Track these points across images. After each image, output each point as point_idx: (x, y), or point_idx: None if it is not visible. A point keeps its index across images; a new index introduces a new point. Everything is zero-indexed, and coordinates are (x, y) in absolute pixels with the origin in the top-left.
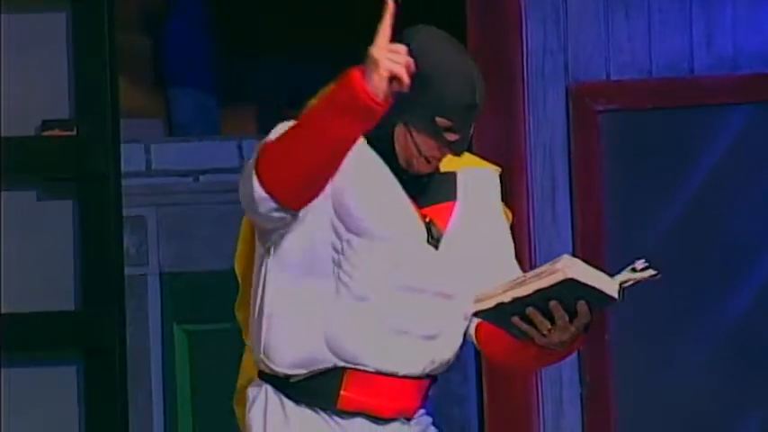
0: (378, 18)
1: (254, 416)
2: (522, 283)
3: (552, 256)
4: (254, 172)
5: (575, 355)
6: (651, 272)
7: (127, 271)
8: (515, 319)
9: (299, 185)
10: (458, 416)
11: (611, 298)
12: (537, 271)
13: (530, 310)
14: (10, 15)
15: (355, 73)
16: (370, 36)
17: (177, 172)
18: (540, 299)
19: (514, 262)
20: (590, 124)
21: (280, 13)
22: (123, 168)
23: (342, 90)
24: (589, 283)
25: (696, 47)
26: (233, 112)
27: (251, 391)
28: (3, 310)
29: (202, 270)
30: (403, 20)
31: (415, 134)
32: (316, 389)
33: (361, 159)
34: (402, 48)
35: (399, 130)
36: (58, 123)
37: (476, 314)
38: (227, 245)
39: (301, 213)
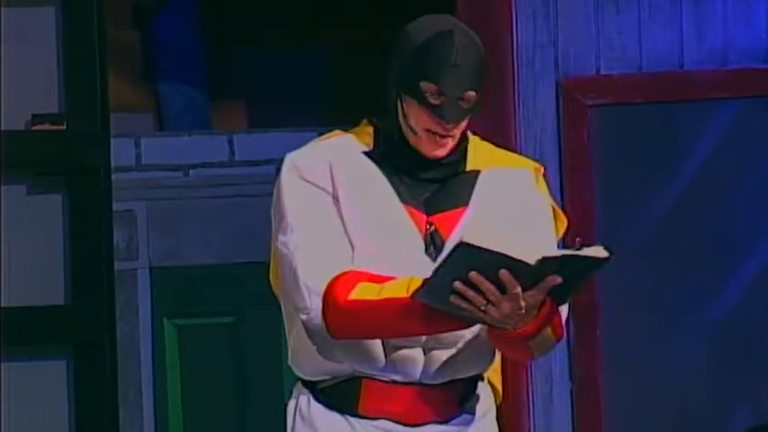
0: (365, 12)
1: (289, 411)
2: None
3: None
4: (322, 315)
5: (564, 350)
6: (599, 252)
7: (117, 265)
8: (453, 298)
9: (360, 339)
10: None
11: (528, 265)
12: None
13: (456, 285)
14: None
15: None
16: (358, 28)
17: (167, 166)
18: (458, 270)
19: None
20: (580, 118)
21: (270, 7)
22: (113, 163)
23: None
24: (490, 248)
25: (686, 41)
26: (223, 106)
27: (294, 389)
28: None
29: (192, 264)
30: (395, 13)
31: (408, 110)
32: (339, 395)
33: (352, 169)
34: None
35: (399, 108)
36: (48, 117)
37: (415, 295)
38: (217, 239)
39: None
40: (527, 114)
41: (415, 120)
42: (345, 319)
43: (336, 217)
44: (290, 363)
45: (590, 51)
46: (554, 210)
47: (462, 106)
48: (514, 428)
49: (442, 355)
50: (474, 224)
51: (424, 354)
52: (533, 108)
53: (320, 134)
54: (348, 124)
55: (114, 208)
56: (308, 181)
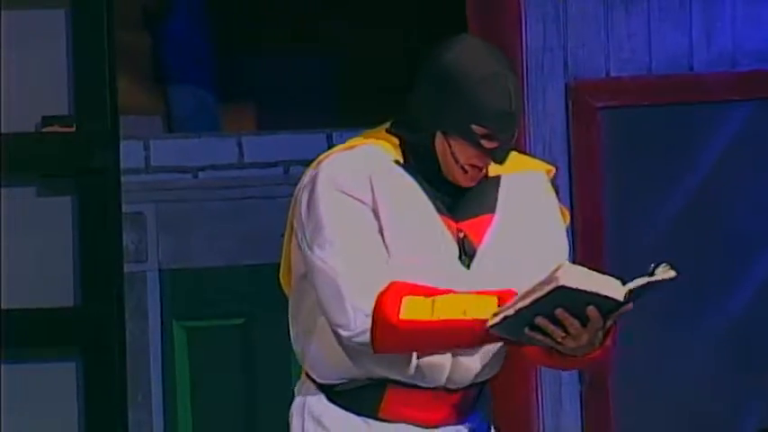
0: (375, 14)
1: (295, 410)
2: (527, 294)
3: None
4: (368, 332)
5: None
6: (667, 273)
7: (126, 267)
8: (528, 331)
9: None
10: None
11: (616, 301)
12: (542, 280)
13: (538, 320)
14: (10, 12)
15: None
16: (366, 31)
17: (176, 168)
18: (545, 308)
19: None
20: (589, 121)
21: (279, 9)
22: (122, 165)
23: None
24: (585, 288)
25: (696, 44)
26: (232, 108)
27: (299, 388)
28: (2, 306)
29: (201, 266)
30: (406, 19)
31: (452, 142)
32: (359, 398)
33: (391, 181)
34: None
35: (439, 139)
36: (58, 120)
37: (490, 328)
38: (227, 241)
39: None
40: (536, 117)
41: (464, 157)
42: (398, 339)
43: (376, 230)
44: (305, 366)
45: (599, 54)
46: (561, 207)
47: (510, 144)
48: (523, 431)
49: (468, 361)
50: (503, 234)
51: (449, 359)
52: (543, 110)
53: (329, 136)
54: (357, 126)
55: (123, 210)
56: (346, 193)
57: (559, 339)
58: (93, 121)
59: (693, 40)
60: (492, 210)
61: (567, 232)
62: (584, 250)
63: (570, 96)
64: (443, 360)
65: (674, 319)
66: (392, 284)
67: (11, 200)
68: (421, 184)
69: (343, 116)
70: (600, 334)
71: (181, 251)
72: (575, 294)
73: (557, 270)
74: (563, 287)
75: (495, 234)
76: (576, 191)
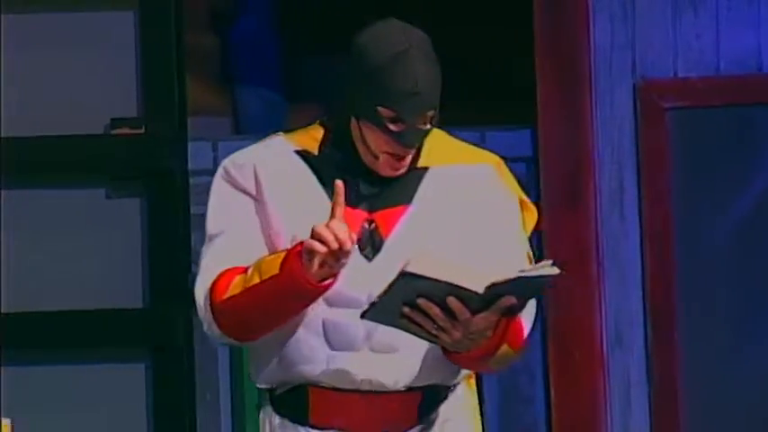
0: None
1: (261, 418)
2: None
3: (619, 256)
4: (214, 322)
5: (642, 352)
6: (547, 270)
7: (194, 269)
8: (400, 320)
9: (259, 335)
10: (525, 416)
11: (476, 293)
12: None
13: (405, 310)
14: (79, 14)
15: (292, 260)
16: (432, 31)
17: None
18: (405, 296)
19: (508, 263)
20: (658, 122)
21: (347, 9)
22: (191, 166)
23: (282, 279)
24: (435, 277)
25: (764, 43)
26: (300, 109)
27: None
28: (72, 308)
29: None
30: (471, 18)
31: (363, 128)
32: (290, 403)
33: (280, 171)
34: (337, 225)
35: (353, 125)
36: (127, 122)
37: (362, 316)
38: None
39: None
40: (604, 118)
41: (375, 144)
42: (225, 318)
43: (254, 223)
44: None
45: (667, 54)
46: (523, 202)
47: (422, 128)
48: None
49: (386, 360)
50: (415, 226)
51: (367, 359)
52: (610, 112)
53: None
54: None
55: (192, 211)
56: (232, 184)
57: (433, 331)
58: (161, 122)
59: (762, 39)
60: (409, 201)
61: (636, 233)
62: (652, 252)
63: (638, 97)
64: (353, 358)
65: (743, 318)
66: (228, 270)
67: (81, 201)
68: (323, 173)
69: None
70: (484, 329)
71: None
72: (430, 283)
73: (416, 257)
74: (409, 274)
75: (407, 226)
76: (645, 192)
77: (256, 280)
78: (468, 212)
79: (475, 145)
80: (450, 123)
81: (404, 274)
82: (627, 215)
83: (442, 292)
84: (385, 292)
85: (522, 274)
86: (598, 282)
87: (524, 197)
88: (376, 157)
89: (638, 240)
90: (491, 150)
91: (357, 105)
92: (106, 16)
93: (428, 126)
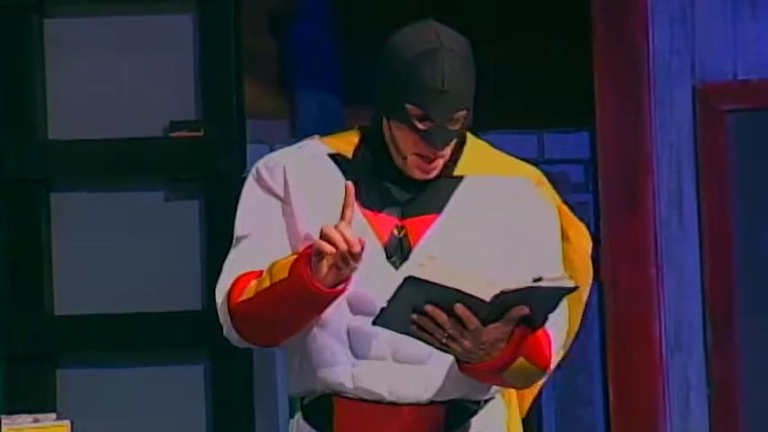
0: (499, 15)
1: (290, 427)
2: None
3: (678, 259)
4: (232, 326)
5: (701, 356)
6: (560, 281)
7: None
8: (411, 327)
9: (278, 341)
10: (584, 417)
11: (483, 301)
12: None
13: (414, 316)
14: (138, 17)
15: (300, 263)
16: (491, 34)
17: None
18: (414, 301)
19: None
20: (717, 124)
21: (404, 12)
22: (248, 168)
23: (291, 283)
24: (442, 283)
25: None
26: (357, 111)
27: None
28: (130, 310)
29: None
30: (531, 21)
31: (394, 128)
32: (316, 413)
33: (312, 175)
34: (345, 227)
35: (385, 127)
36: (185, 124)
37: (374, 323)
38: None
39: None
40: (663, 120)
41: (404, 144)
42: (241, 322)
43: (281, 226)
44: None
45: (726, 57)
46: (576, 226)
47: (451, 128)
48: None
49: (411, 372)
50: (445, 236)
51: (391, 370)
52: (669, 114)
53: None
54: (485, 128)
55: None
56: (262, 186)
57: (443, 340)
58: (219, 125)
59: None
60: (440, 209)
61: (694, 236)
62: (711, 255)
63: (697, 99)
64: (381, 368)
65: None
66: (245, 274)
67: (139, 203)
68: (357, 178)
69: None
70: (496, 341)
71: None
72: (437, 289)
73: (423, 262)
74: (414, 279)
75: (436, 235)
76: (704, 195)
77: (268, 283)
78: (502, 224)
79: (533, 148)
80: (508, 127)
81: (409, 279)
82: (686, 218)
83: (449, 298)
84: (392, 298)
85: (534, 284)
86: (657, 285)
87: (577, 222)
88: (405, 159)
89: (697, 243)
90: (550, 153)
91: (387, 104)
92: (166, 20)
93: (457, 127)
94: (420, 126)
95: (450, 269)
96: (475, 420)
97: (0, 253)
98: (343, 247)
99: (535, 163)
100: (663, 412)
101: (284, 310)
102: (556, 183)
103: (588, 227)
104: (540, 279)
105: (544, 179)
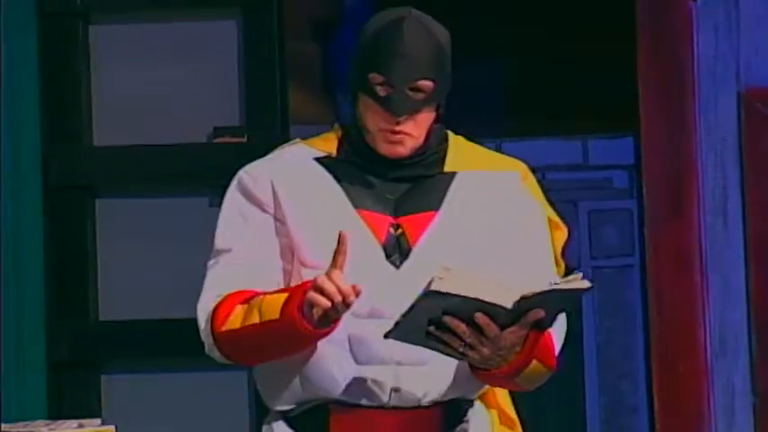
0: (543, 19)
1: None
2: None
3: (723, 264)
4: (215, 347)
5: (746, 363)
6: (578, 283)
7: None
8: (426, 338)
9: (264, 362)
10: (629, 425)
11: (504, 308)
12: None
13: (431, 328)
14: (182, 23)
15: (292, 308)
16: (535, 38)
17: None
18: (431, 313)
19: (532, 272)
20: (762, 130)
21: (448, 16)
22: None
23: (281, 324)
24: (463, 294)
25: None
26: None
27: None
28: (175, 316)
29: None
30: (576, 26)
31: (362, 106)
32: (308, 423)
33: (299, 181)
34: (339, 276)
35: (357, 109)
36: (229, 130)
37: (386, 336)
38: None
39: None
40: (708, 126)
41: (369, 119)
42: (225, 347)
43: (264, 239)
44: (260, 391)
45: None
46: (552, 222)
47: (414, 97)
48: None
49: (413, 374)
50: (444, 233)
51: (392, 374)
52: (714, 120)
53: (497, 146)
54: (525, 135)
55: None
56: (246, 196)
57: (461, 349)
58: (263, 131)
59: None
60: (437, 206)
61: (739, 241)
62: (757, 261)
63: (742, 105)
64: (382, 373)
65: None
66: (231, 294)
67: (184, 210)
68: (345, 178)
69: (517, 124)
70: (513, 346)
71: None
72: (457, 300)
73: (440, 274)
74: (436, 292)
75: (435, 232)
76: (749, 199)
77: (256, 320)
78: (494, 220)
79: (571, 153)
80: (553, 133)
81: (430, 293)
82: (730, 223)
83: (469, 308)
84: (409, 311)
85: (555, 287)
86: (701, 290)
87: (553, 215)
88: (372, 135)
89: (743, 248)
90: (594, 158)
91: (355, 79)
92: (209, 26)
93: (421, 98)
94: (381, 92)
95: (467, 278)
96: (467, 419)
97: (46, 259)
98: (338, 299)
99: (579, 169)
100: (707, 419)
101: (271, 346)
102: (601, 188)
103: (632, 232)
104: (557, 282)
105: (529, 173)
